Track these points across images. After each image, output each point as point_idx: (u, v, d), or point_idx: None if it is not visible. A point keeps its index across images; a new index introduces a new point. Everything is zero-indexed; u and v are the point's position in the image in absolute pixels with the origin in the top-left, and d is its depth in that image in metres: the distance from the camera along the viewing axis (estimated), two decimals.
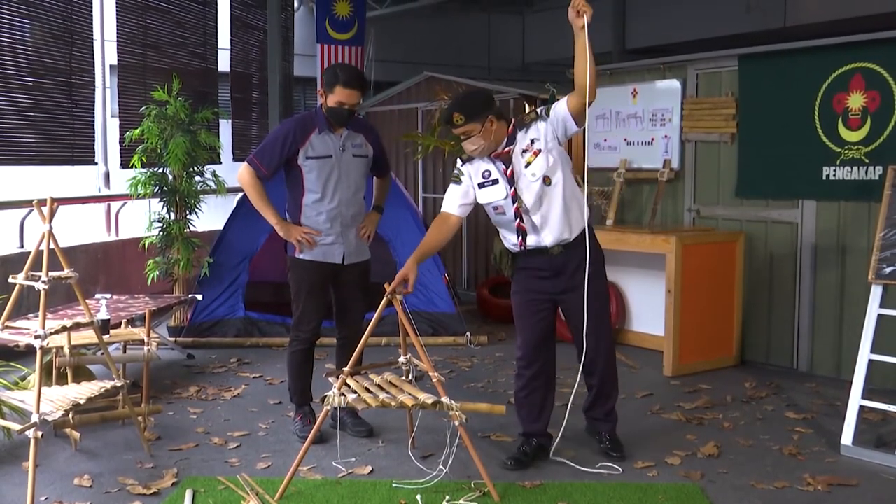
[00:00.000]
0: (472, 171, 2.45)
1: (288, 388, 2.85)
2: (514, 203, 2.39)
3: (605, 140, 4.40)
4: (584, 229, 2.44)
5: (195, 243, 4.22)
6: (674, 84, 4.07)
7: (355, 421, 2.79)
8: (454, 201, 2.46)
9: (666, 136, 4.12)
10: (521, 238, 2.44)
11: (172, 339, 4.12)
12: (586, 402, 2.62)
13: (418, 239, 4.30)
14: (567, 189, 2.40)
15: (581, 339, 2.48)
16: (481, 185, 2.43)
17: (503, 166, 2.40)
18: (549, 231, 2.42)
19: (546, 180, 2.36)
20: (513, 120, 2.44)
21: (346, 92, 2.57)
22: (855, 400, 2.64)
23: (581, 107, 2.29)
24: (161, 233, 4.20)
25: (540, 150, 2.36)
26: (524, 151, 2.38)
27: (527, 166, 2.37)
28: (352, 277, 2.76)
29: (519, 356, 2.58)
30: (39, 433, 2.19)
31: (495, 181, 2.41)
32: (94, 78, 4.83)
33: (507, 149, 2.39)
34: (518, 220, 2.41)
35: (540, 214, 2.40)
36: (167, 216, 4.22)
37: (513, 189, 2.38)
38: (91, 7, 4.78)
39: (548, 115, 2.38)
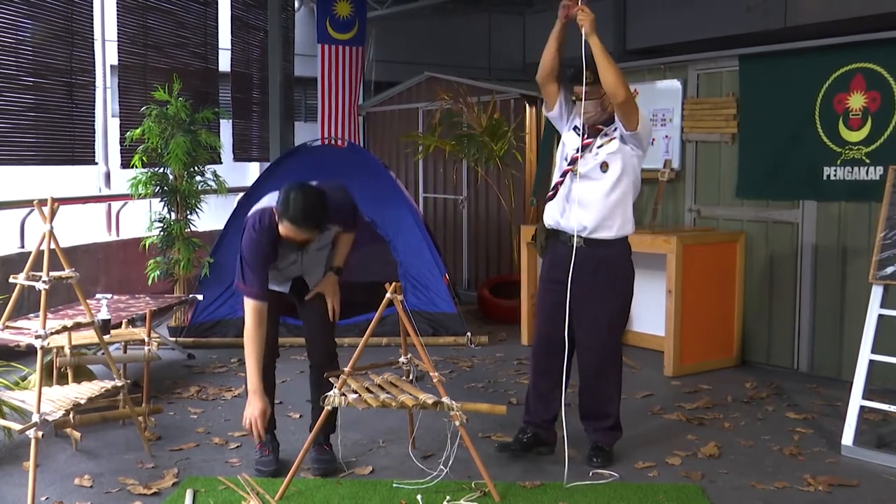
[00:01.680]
0: (575, 114, 2.53)
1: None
2: (568, 164, 2.49)
3: None
4: (614, 238, 2.46)
5: (196, 243, 4.22)
6: (674, 84, 4.07)
7: (320, 452, 2.46)
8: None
9: (666, 137, 4.12)
10: (553, 191, 2.53)
11: (173, 339, 4.12)
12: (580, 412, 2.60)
13: (418, 239, 4.35)
14: (617, 191, 2.45)
15: (573, 340, 2.50)
16: (574, 128, 2.53)
17: (587, 136, 2.48)
18: (579, 211, 2.45)
19: (604, 166, 2.44)
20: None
21: (294, 229, 2.17)
22: (855, 400, 2.64)
23: (618, 109, 2.40)
24: (162, 233, 4.20)
25: (614, 139, 2.46)
26: (605, 135, 2.48)
27: (600, 147, 2.47)
28: (315, 298, 2.46)
29: (533, 343, 2.64)
30: (40, 433, 2.19)
31: (580, 135, 2.50)
32: (94, 78, 4.82)
33: (599, 126, 2.48)
34: (562, 178, 2.49)
35: (582, 188, 2.45)
36: (168, 216, 4.22)
37: (577, 154, 2.47)
38: (92, 7, 4.76)
39: None
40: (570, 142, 2.52)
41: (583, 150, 2.47)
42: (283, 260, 2.39)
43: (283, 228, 2.20)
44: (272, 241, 2.27)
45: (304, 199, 2.16)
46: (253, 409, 2.31)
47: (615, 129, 2.47)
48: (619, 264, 2.48)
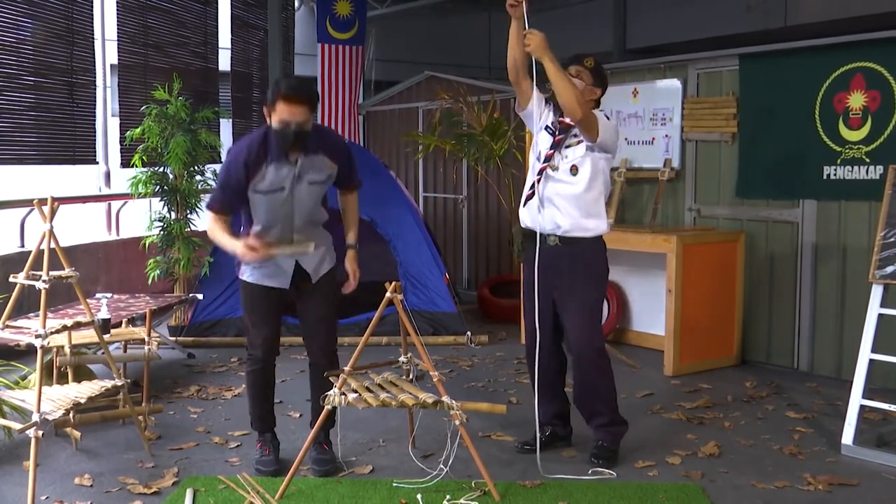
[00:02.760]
0: (547, 112, 2.55)
1: (248, 412, 2.56)
2: (542, 162, 2.51)
3: None
4: (588, 235, 2.48)
5: (196, 243, 4.22)
6: (674, 84, 4.07)
7: (320, 452, 2.46)
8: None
9: (666, 136, 4.12)
10: (531, 190, 2.54)
11: (173, 338, 4.12)
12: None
13: (419, 239, 4.36)
14: (590, 193, 2.48)
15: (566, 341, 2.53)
16: (546, 128, 2.55)
17: (560, 134, 2.51)
18: (554, 212, 2.49)
19: (573, 169, 2.47)
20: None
21: (289, 108, 2.11)
22: (855, 399, 2.64)
23: (577, 125, 2.44)
24: (162, 232, 4.20)
25: (581, 142, 2.49)
26: (575, 135, 2.50)
27: (567, 147, 2.50)
28: (313, 295, 2.40)
29: (525, 345, 2.65)
30: (40, 432, 2.19)
31: (552, 134, 2.53)
32: (95, 77, 4.83)
33: (571, 122, 2.49)
34: (539, 175, 2.51)
35: (556, 190, 2.48)
36: (168, 215, 4.22)
37: (551, 151, 2.49)
38: (92, 6, 4.77)
39: None
40: (542, 141, 2.54)
41: (555, 148, 2.49)
42: (275, 175, 2.23)
43: (279, 110, 2.14)
44: (256, 157, 2.20)
45: (294, 77, 2.33)
46: (240, 246, 2.19)
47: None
48: (594, 262, 2.50)
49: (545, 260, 2.51)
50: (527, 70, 2.46)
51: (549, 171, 2.49)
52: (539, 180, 2.51)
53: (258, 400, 2.53)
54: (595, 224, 2.49)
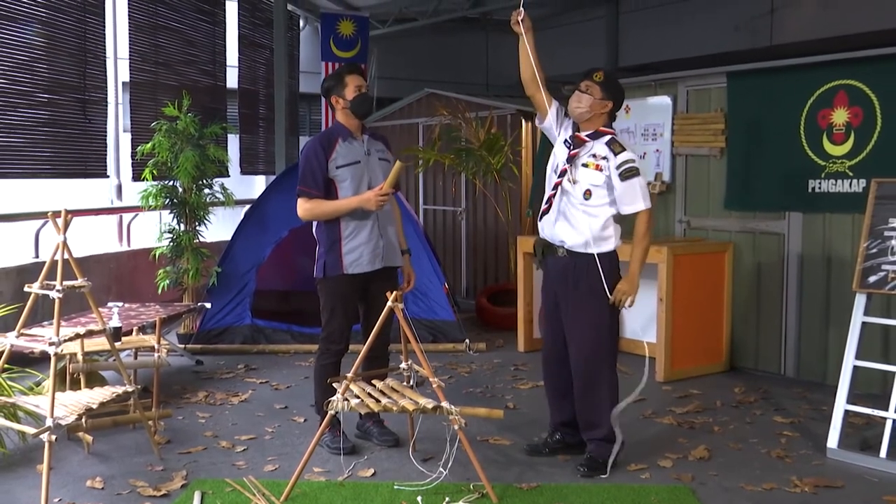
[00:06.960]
0: (567, 125, 2.60)
1: (315, 399, 2.75)
2: (558, 176, 2.54)
3: None
4: (596, 252, 2.48)
5: (204, 253, 4.30)
6: (665, 100, 4.16)
7: (381, 430, 2.79)
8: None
9: (657, 151, 4.20)
10: (547, 205, 2.59)
11: (182, 345, 4.19)
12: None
13: (419, 249, 4.46)
14: (599, 217, 2.48)
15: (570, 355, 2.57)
16: (564, 142, 2.57)
17: (575, 149, 2.53)
18: (562, 225, 2.53)
19: (587, 193, 2.48)
20: (612, 132, 2.54)
21: (357, 77, 2.71)
22: (840, 404, 2.70)
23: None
24: (171, 243, 4.28)
25: (602, 169, 2.47)
26: (593, 156, 2.50)
27: (584, 166, 2.49)
28: (384, 283, 2.64)
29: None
30: (53, 437, 2.24)
31: (568, 148, 2.55)
32: (107, 94, 4.91)
33: (586, 138, 2.52)
34: (554, 190, 2.56)
35: (568, 208, 2.51)
36: (177, 227, 4.30)
37: (566, 165, 2.52)
38: (104, 26, 4.86)
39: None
40: (559, 154, 2.58)
41: (570, 162, 2.52)
42: (348, 150, 2.66)
43: (350, 86, 2.68)
44: (328, 140, 2.66)
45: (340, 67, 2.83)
46: (372, 197, 2.58)
47: (606, 159, 2.47)
48: (599, 277, 2.47)
49: (554, 270, 2.56)
50: (539, 84, 2.52)
51: (564, 184, 2.51)
52: (554, 195, 2.54)
53: (330, 388, 2.55)
54: (601, 244, 2.48)
